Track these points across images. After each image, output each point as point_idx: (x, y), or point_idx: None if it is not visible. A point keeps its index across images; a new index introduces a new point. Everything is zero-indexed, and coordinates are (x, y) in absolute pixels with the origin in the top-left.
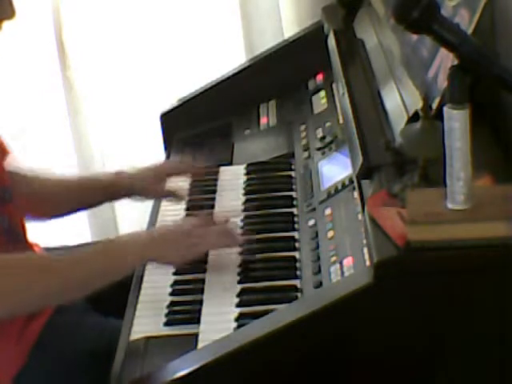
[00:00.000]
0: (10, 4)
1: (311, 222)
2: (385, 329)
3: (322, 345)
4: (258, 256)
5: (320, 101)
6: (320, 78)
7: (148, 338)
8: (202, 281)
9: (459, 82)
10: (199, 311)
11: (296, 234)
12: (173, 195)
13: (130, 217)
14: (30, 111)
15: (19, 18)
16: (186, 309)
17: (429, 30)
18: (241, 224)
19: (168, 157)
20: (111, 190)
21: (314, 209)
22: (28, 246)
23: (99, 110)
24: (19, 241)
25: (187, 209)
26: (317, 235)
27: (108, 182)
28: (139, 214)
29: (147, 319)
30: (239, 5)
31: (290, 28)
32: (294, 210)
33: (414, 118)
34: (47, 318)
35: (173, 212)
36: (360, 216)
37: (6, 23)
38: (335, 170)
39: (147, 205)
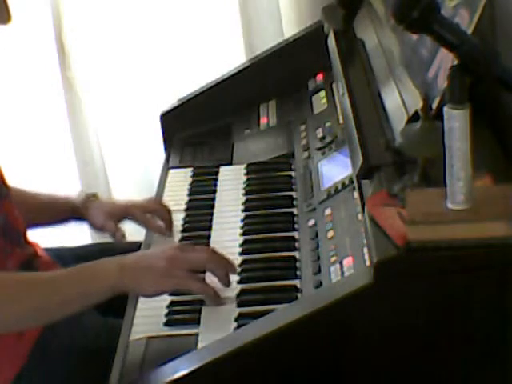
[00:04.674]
0: (6, 8)
1: (311, 222)
2: (385, 329)
3: (322, 345)
4: (258, 256)
5: (320, 101)
6: (320, 77)
7: (148, 338)
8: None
9: (459, 82)
10: (199, 311)
11: (296, 234)
12: (120, 237)
13: None
14: (29, 111)
15: (19, 18)
16: (185, 309)
17: (429, 30)
18: (241, 224)
19: (168, 157)
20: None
21: (314, 209)
22: (28, 246)
23: (99, 110)
24: (18, 241)
25: (187, 209)
26: (317, 235)
27: (73, 203)
28: None
29: (147, 319)
30: (239, 5)
31: (290, 28)
32: (294, 210)
33: (414, 118)
34: None
35: (173, 212)
36: (360, 216)
37: (1, 27)
38: (335, 169)
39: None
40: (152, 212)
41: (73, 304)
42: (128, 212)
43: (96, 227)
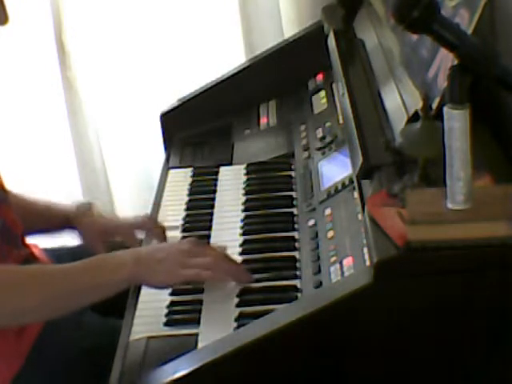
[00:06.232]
0: (4, 10)
1: (311, 222)
2: (384, 329)
3: (322, 345)
4: (258, 256)
5: (320, 101)
6: (320, 77)
7: (148, 338)
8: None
9: (459, 82)
10: (199, 311)
11: (296, 234)
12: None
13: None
14: (30, 111)
15: (19, 18)
16: (186, 309)
17: (429, 30)
18: (241, 224)
19: (168, 157)
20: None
21: (314, 209)
22: (25, 248)
23: (99, 109)
24: (16, 242)
25: (187, 209)
26: (317, 235)
27: (64, 213)
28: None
29: (147, 319)
30: (239, 5)
31: (290, 28)
32: (294, 210)
33: (414, 118)
34: None
35: (173, 212)
36: (360, 216)
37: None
38: (335, 169)
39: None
40: (145, 231)
41: (87, 295)
42: (118, 233)
43: (85, 243)
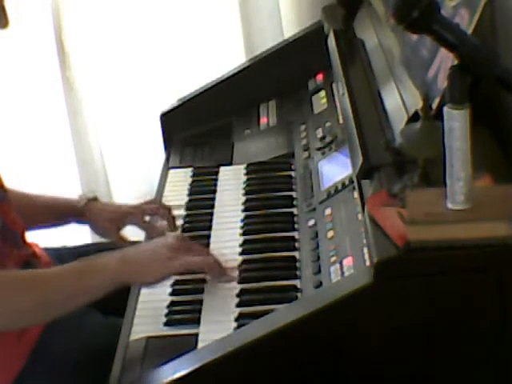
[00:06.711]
0: (4, 14)
1: (311, 222)
2: (385, 329)
3: (322, 345)
4: (258, 256)
5: (320, 101)
6: (320, 77)
7: (148, 338)
8: (202, 281)
9: (459, 82)
10: (199, 311)
11: (296, 234)
12: (123, 242)
13: None
14: (29, 111)
15: (19, 19)
16: (186, 309)
17: (429, 30)
18: (241, 224)
19: (168, 157)
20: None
21: (314, 209)
22: (26, 247)
23: (99, 110)
24: (16, 242)
25: (187, 209)
26: (317, 235)
27: (73, 206)
28: None
29: (147, 319)
30: (239, 5)
31: (290, 28)
32: (294, 210)
33: (414, 118)
34: None
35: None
36: (360, 216)
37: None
38: (335, 169)
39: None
40: (152, 214)
41: (76, 298)
42: (129, 217)
43: (98, 233)
